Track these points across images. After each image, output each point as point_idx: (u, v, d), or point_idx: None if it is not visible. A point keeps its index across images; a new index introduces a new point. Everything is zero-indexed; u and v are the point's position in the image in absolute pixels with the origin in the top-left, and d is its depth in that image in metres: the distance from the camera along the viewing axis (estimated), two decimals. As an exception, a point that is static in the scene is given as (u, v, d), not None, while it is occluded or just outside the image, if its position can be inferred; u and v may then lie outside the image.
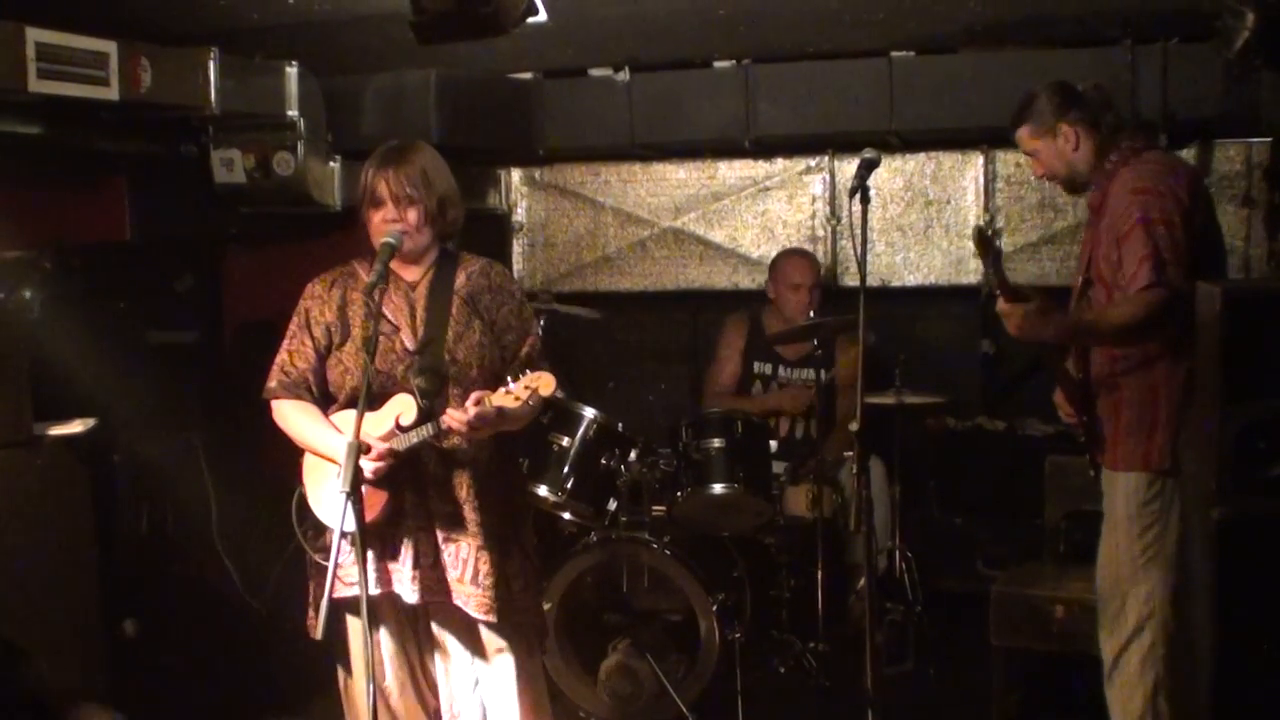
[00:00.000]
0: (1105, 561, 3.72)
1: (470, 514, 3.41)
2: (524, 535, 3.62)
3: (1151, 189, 3.55)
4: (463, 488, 3.42)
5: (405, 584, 3.40)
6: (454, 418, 3.25)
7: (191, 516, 4.87)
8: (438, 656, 3.55)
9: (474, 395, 3.25)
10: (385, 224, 3.38)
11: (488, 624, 3.45)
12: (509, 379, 3.28)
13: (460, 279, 3.51)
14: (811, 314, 5.36)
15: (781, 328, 5.53)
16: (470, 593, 3.40)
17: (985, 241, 3.39)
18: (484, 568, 3.40)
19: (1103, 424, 3.73)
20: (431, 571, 3.40)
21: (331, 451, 3.35)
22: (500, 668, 3.53)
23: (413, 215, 3.39)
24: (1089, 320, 3.69)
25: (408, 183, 3.38)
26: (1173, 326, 3.49)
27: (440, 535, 3.41)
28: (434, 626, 3.53)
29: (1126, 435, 3.66)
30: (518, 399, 3.23)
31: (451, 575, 3.41)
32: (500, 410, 3.26)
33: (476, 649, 3.52)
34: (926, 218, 5.94)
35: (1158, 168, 3.64)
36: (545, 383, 3.25)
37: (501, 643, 3.52)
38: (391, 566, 3.41)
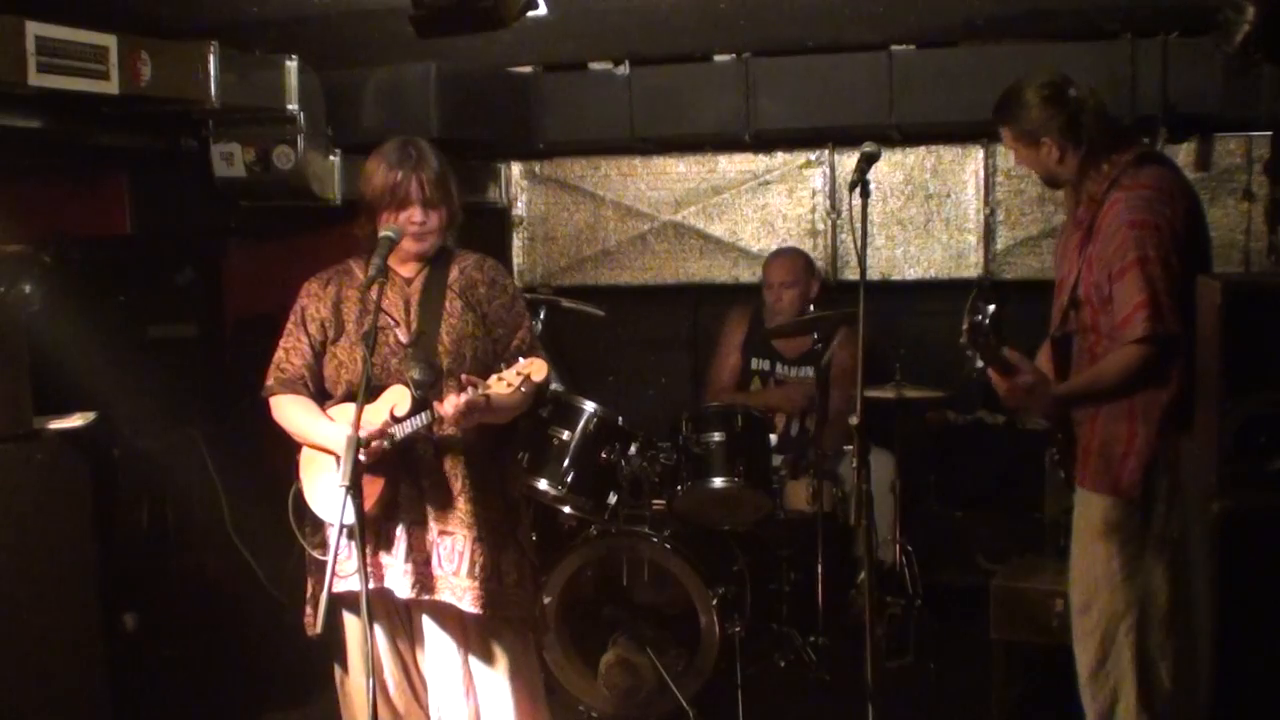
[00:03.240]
0: (1078, 577, 3.66)
1: (465, 505, 3.41)
2: (520, 530, 3.62)
3: (1149, 222, 3.41)
4: (458, 479, 3.42)
5: (398, 579, 3.40)
6: (446, 407, 3.26)
7: (192, 511, 4.87)
8: (428, 654, 3.54)
9: (465, 378, 3.25)
10: (410, 226, 3.38)
11: (479, 618, 3.45)
12: (500, 365, 3.29)
13: (454, 273, 3.52)
14: (811, 308, 5.36)
15: (774, 322, 5.53)
16: (465, 586, 3.40)
17: (978, 330, 3.22)
18: (479, 560, 3.41)
19: (1075, 435, 3.65)
20: (424, 567, 3.41)
21: (329, 442, 3.36)
22: (493, 664, 3.54)
23: (437, 218, 3.42)
24: (1081, 388, 3.58)
25: (436, 187, 3.39)
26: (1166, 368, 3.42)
27: (435, 528, 3.41)
28: (425, 623, 3.53)
29: (1097, 455, 3.57)
30: (510, 385, 3.23)
31: (446, 569, 3.41)
32: (489, 398, 3.26)
33: (469, 645, 3.52)
34: (927, 212, 5.94)
35: (1153, 193, 3.46)
36: (537, 368, 3.25)
37: (495, 638, 3.53)
38: (384, 561, 3.41)
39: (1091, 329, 3.57)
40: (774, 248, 5.86)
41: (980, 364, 3.34)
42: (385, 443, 3.30)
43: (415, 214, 3.38)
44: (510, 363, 3.29)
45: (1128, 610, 3.54)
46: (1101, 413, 3.57)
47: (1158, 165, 3.60)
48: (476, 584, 3.40)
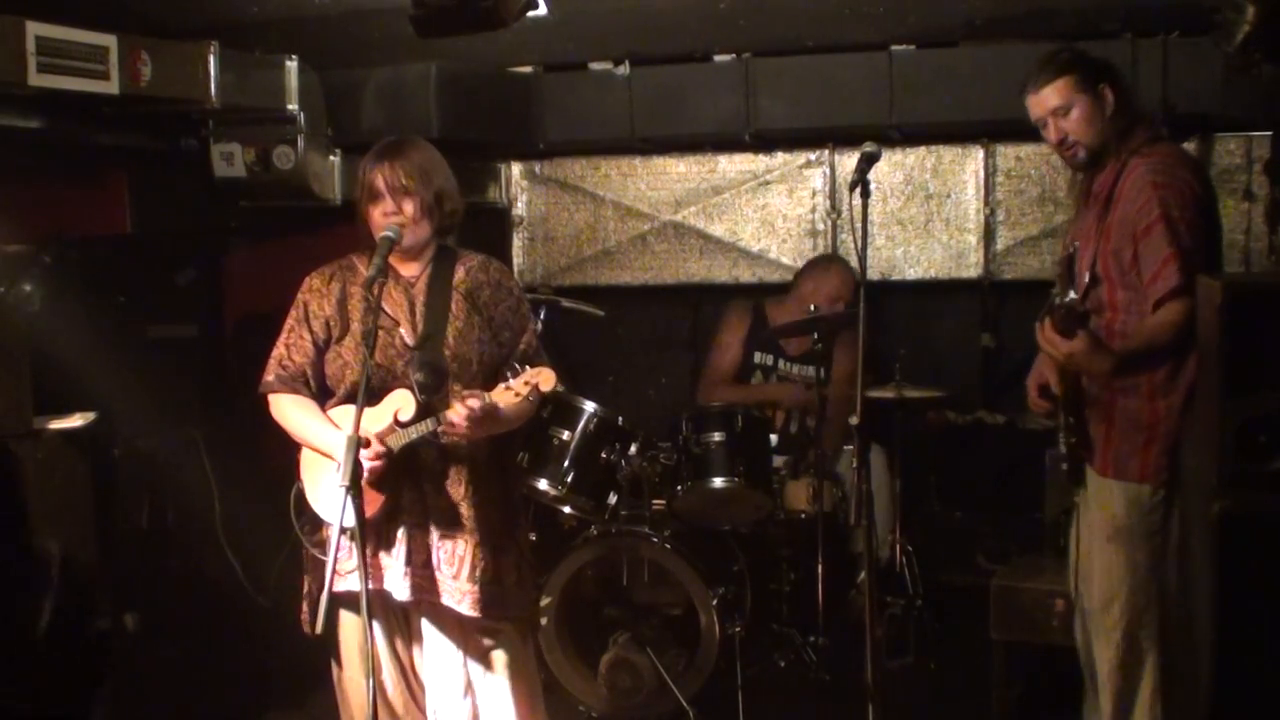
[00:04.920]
0: (1100, 573, 3.64)
1: (467, 510, 3.41)
2: (520, 532, 3.62)
3: (1170, 184, 3.46)
4: (460, 484, 3.41)
5: (397, 581, 3.39)
6: (454, 416, 3.25)
7: (192, 510, 4.87)
8: (427, 656, 3.54)
9: (473, 393, 3.24)
10: (384, 218, 3.37)
11: (479, 620, 3.45)
12: (508, 374, 3.28)
13: (459, 274, 3.51)
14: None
15: (785, 321, 5.52)
16: (465, 589, 3.40)
17: (1075, 317, 3.26)
18: (480, 564, 3.40)
19: (1091, 424, 3.63)
20: (423, 570, 3.40)
21: (329, 448, 3.35)
22: (493, 664, 3.53)
23: (409, 207, 3.38)
24: (1138, 347, 3.52)
25: (404, 174, 3.37)
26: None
27: (436, 533, 3.40)
28: (424, 625, 3.52)
29: (1120, 441, 3.56)
30: (518, 395, 3.23)
31: (446, 573, 3.40)
32: (497, 407, 3.26)
33: (468, 648, 3.51)
34: (927, 212, 5.94)
35: (1170, 160, 3.54)
36: (545, 378, 3.25)
37: (495, 640, 3.52)
38: (384, 563, 3.40)
39: (1109, 306, 3.57)
40: (774, 248, 5.86)
41: (1070, 297, 3.26)
42: (394, 448, 3.29)
43: (386, 205, 3.38)
44: (516, 371, 3.28)
45: (1149, 606, 3.54)
46: (1119, 399, 3.56)
47: (1168, 142, 3.68)
48: (476, 588, 3.40)
